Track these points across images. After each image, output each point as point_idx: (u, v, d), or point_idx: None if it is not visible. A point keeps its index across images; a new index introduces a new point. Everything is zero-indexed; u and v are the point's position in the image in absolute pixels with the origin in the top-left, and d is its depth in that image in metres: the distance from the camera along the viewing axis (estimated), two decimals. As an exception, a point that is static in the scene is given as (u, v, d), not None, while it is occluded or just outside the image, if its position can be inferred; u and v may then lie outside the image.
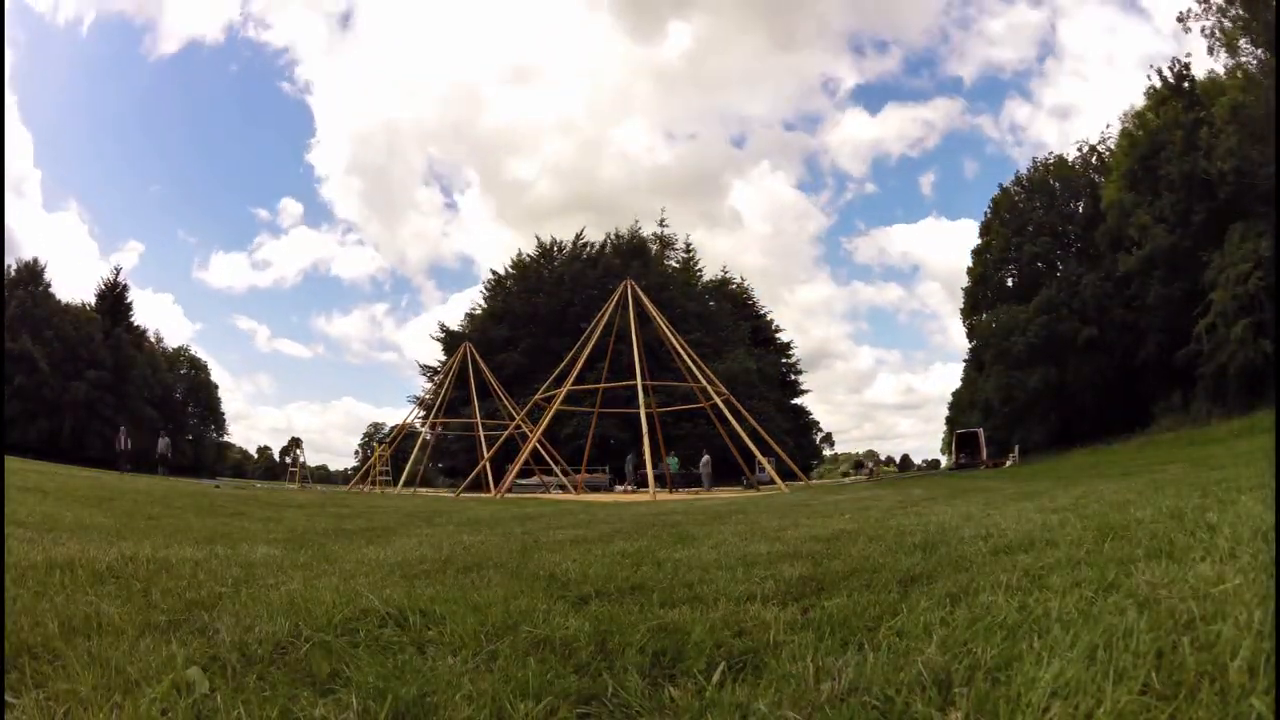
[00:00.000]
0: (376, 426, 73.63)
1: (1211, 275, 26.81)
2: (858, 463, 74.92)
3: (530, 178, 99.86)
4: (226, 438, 68.36)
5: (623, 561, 3.47)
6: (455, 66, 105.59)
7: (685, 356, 24.41)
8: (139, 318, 54.88)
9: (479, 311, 49.81)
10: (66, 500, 7.34)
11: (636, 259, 47.84)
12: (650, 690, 1.56)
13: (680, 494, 21.33)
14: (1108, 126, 48.50)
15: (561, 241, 50.25)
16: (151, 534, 4.78)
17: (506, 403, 31.44)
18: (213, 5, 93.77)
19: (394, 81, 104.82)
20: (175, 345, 64.45)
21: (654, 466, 20.95)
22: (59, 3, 75.25)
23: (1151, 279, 31.01)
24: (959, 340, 45.28)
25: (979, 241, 43.12)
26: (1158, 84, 32.14)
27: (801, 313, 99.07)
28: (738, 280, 59.13)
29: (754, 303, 58.17)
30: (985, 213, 43.24)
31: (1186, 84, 30.90)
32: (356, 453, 78.55)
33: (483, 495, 21.09)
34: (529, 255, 50.17)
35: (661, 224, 57.57)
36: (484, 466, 25.42)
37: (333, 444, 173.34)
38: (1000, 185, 43.12)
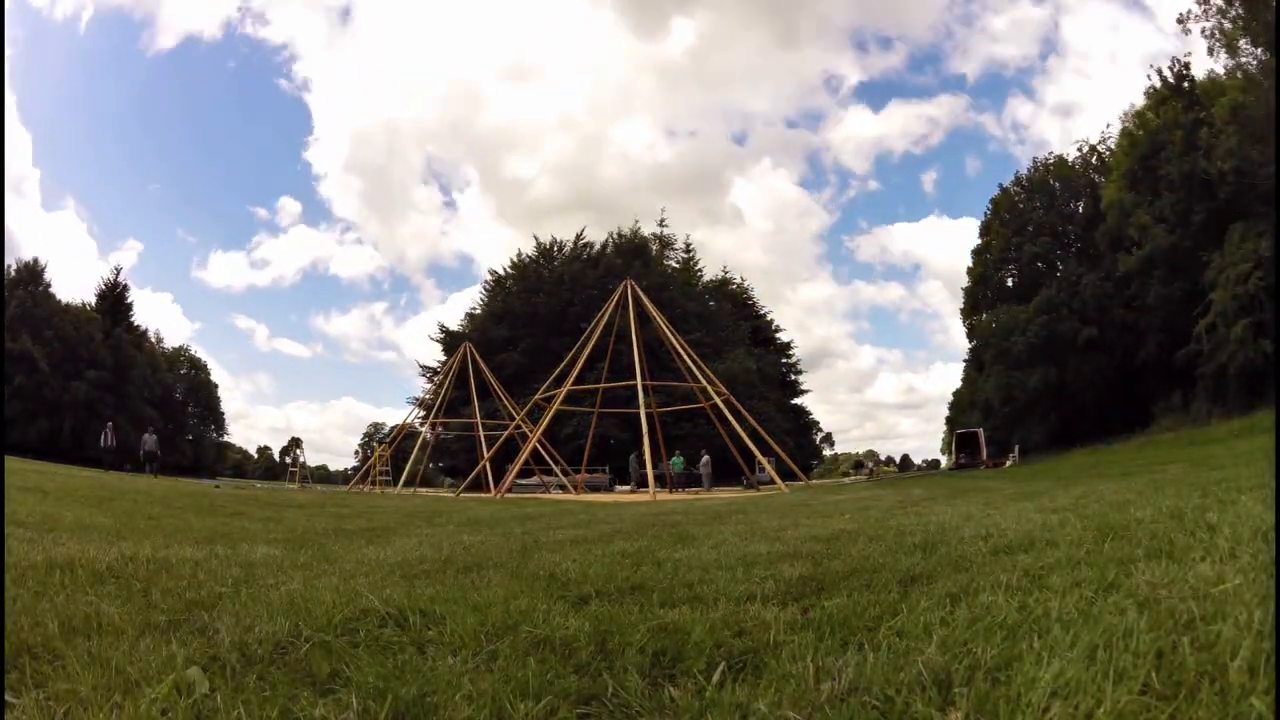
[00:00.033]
0: (376, 426, 73.68)
1: (1211, 275, 26.81)
2: (858, 463, 74.94)
3: (530, 176, 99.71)
4: (226, 438, 68.42)
5: (623, 561, 3.47)
6: (455, 63, 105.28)
7: (685, 356, 24.41)
8: (138, 317, 54.94)
9: (479, 311, 49.86)
10: (66, 500, 7.34)
11: (637, 259, 47.87)
12: (650, 690, 1.56)
13: (680, 494, 21.33)
14: (1108, 126, 48.56)
15: (562, 241, 50.33)
16: (151, 534, 4.78)
17: (506, 403, 31.44)
18: (211, 1, 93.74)
19: (393, 78, 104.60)
20: (175, 345, 64.53)
21: (654, 466, 20.95)
22: (57, -2, 74.96)
23: (1151, 279, 31.01)
24: (960, 340, 45.26)
25: (979, 241, 43.17)
26: (1158, 84, 32.16)
27: (804, 311, 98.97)
28: (738, 280, 59.22)
29: (754, 303, 58.26)
30: (985, 212, 43.29)
31: (1186, 84, 30.91)
32: (356, 453, 78.61)
33: (483, 495, 21.09)
34: (529, 255, 50.23)
35: (662, 224, 57.65)
36: (484, 466, 25.42)
37: (332, 444, 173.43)
38: (1000, 185, 43.18)
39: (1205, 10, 27.20)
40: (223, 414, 65.97)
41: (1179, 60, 31.21)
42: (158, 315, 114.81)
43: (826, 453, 79.64)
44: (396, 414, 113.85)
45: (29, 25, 66.52)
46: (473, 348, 34.49)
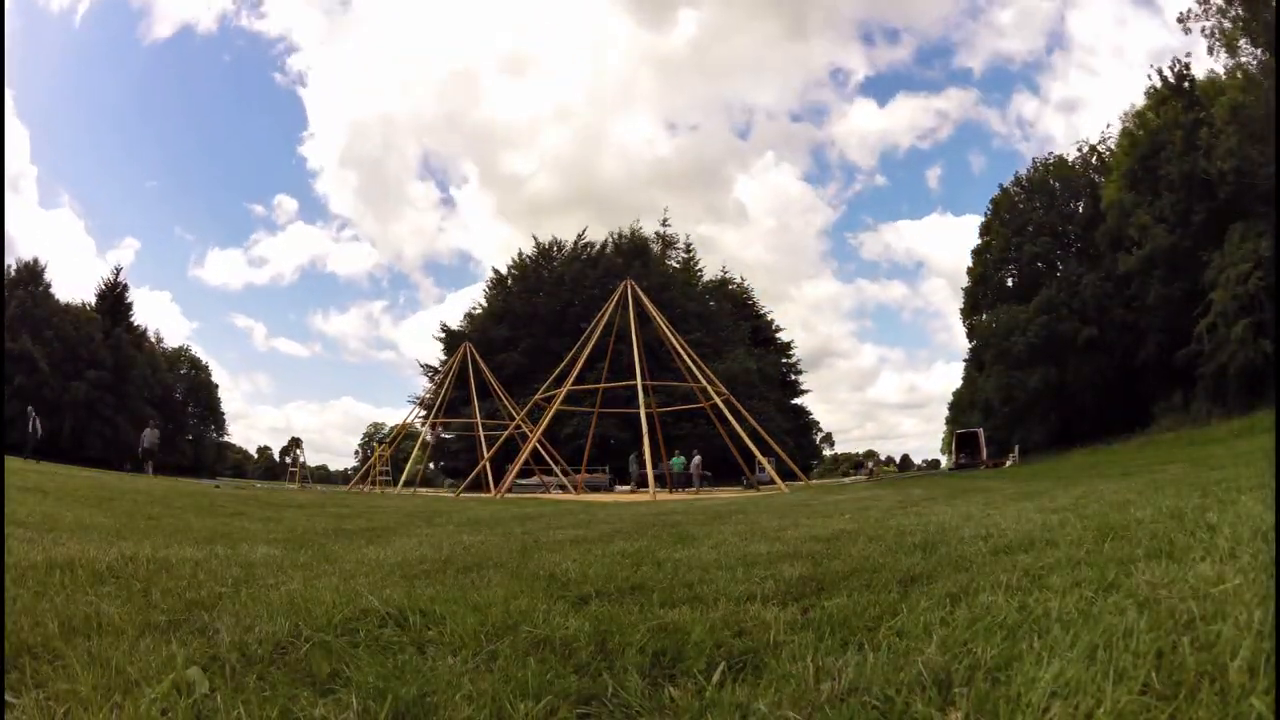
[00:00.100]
0: (376, 426, 73.68)
1: (1211, 275, 26.82)
2: (858, 463, 75.00)
3: (529, 172, 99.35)
4: (226, 438, 68.44)
5: (623, 561, 3.46)
6: (451, 55, 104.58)
7: (685, 356, 24.41)
8: (138, 317, 54.96)
9: (479, 311, 49.88)
10: (66, 500, 7.34)
11: (637, 259, 47.89)
12: (650, 690, 1.56)
13: (680, 494, 21.33)
14: (1108, 126, 48.65)
15: (562, 241, 50.35)
16: (151, 534, 4.78)
17: (506, 403, 31.45)
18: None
19: (388, 72, 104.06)
20: (175, 345, 64.56)
21: (654, 466, 20.95)
22: (53, -11, 74.69)
23: (1151, 279, 31.02)
24: (963, 339, 45.18)
25: (979, 241, 43.18)
26: (1158, 84, 32.18)
27: (808, 309, 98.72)
28: (738, 280, 59.25)
29: (754, 303, 58.29)
30: (985, 212, 43.31)
31: (1187, 84, 30.92)
32: (356, 453, 78.63)
33: (483, 495, 21.09)
34: (529, 255, 50.25)
35: (664, 223, 57.68)
36: (484, 466, 25.43)
37: (332, 444, 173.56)
38: (1000, 185, 43.19)
39: (1205, 10, 27.23)
40: (223, 414, 66.10)
41: (1179, 60, 31.27)
42: (156, 314, 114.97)
43: (826, 453, 79.76)
44: (396, 414, 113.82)
45: (25, 16, 66.28)
46: (473, 347, 34.49)
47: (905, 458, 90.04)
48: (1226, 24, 26.88)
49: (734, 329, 49.90)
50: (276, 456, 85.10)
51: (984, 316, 41.84)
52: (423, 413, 35.81)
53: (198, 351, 67.16)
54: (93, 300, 51.88)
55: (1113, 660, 1.37)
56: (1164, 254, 30.03)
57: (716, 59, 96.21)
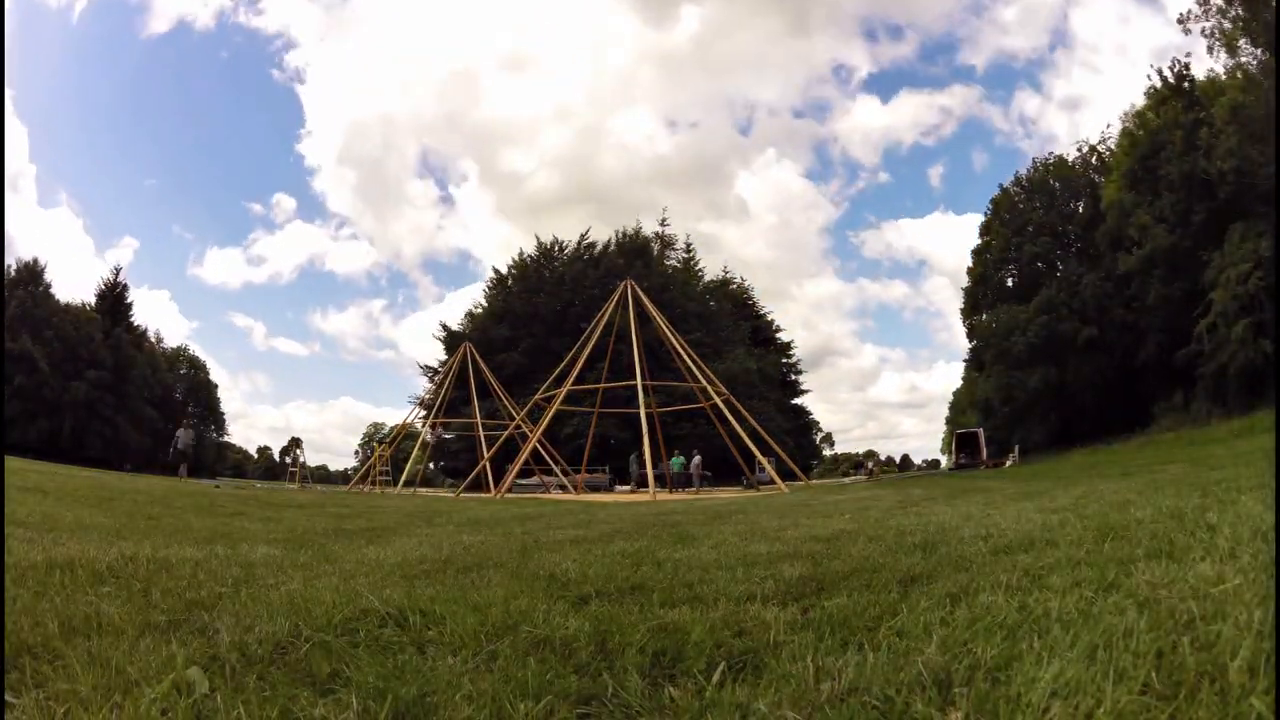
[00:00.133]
0: (376, 426, 73.68)
1: (1211, 275, 26.83)
2: (857, 463, 75.04)
3: (529, 170, 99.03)
4: (226, 438, 68.47)
5: (623, 561, 3.47)
6: (452, 52, 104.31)
7: (685, 356, 24.41)
8: (137, 316, 54.97)
9: (479, 311, 49.88)
10: (66, 500, 7.34)
11: (638, 259, 47.88)
12: (650, 690, 1.56)
13: (680, 494, 21.33)
14: (1108, 126, 48.69)
15: (563, 241, 50.36)
16: (151, 534, 4.78)
17: (507, 403, 31.45)
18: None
19: (388, 69, 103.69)
20: (174, 345, 64.59)
21: (654, 466, 20.94)
22: (51, -15, 74.51)
23: (1151, 279, 31.02)
24: (964, 338, 45.18)
25: (979, 241, 43.18)
26: (1158, 84, 32.18)
27: (810, 308, 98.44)
28: (738, 280, 59.28)
29: (754, 303, 58.31)
30: (985, 212, 43.31)
31: (1187, 84, 30.93)
32: (356, 453, 78.67)
33: (483, 495, 21.09)
34: (530, 255, 50.25)
35: (663, 223, 57.68)
36: (484, 466, 25.43)
37: (331, 444, 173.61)
38: (1000, 185, 43.19)
39: (1205, 10, 27.23)
40: (223, 414, 66.16)
41: (1179, 60, 31.28)
42: (155, 313, 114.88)
43: (826, 453, 79.78)
44: (396, 414, 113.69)
45: (23, 12, 66.13)
46: (473, 347, 34.49)
47: (905, 458, 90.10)
48: (1226, 24, 26.90)
49: (734, 329, 49.90)
50: (276, 456, 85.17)
51: (984, 316, 41.84)
52: (423, 413, 35.82)
53: (197, 351, 67.32)
54: (92, 300, 51.94)
55: (1113, 660, 1.37)
56: (1164, 254, 30.03)
57: (718, 55, 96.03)
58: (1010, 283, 41.18)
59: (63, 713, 1.43)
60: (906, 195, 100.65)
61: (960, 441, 38.04)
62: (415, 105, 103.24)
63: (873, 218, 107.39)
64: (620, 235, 51.12)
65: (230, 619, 2.13)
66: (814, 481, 32.79)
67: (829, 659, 1.64)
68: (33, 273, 46.75)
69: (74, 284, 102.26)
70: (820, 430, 66.76)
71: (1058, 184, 40.94)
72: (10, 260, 45.19)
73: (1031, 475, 14.23)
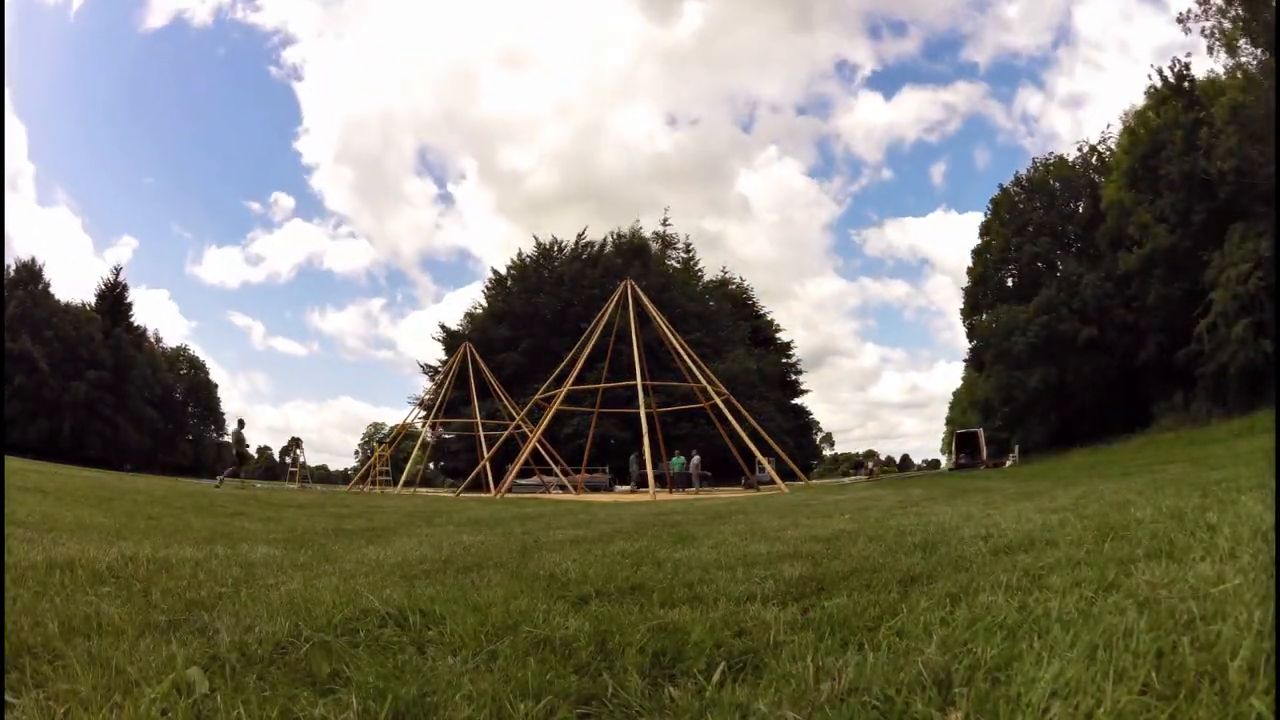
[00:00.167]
0: (376, 426, 73.67)
1: (1211, 275, 26.83)
2: (858, 463, 75.06)
3: (528, 167, 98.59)
4: (226, 438, 68.38)
5: (623, 561, 3.47)
6: (450, 48, 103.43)
7: (685, 356, 24.41)
8: (136, 316, 54.93)
9: (479, 311, 49.89)
10: (66, 500, 7.34)
11: (637, 259, 47.90)
12: (650, 690, 1.56)
13: (682, 494, 21.33)
14: (1108, 126, 48.67)
15: (562, 241, 50.37)
16: (151, 534, 4.78)
17: (506, 403, 31.45)
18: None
19: (386, 66, 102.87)
20: (174, 345, 64.59)
21: (654, 466, 20.95)
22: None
23: (1151, 279, 31.02)
24: (965, 338, 45.13)
25: (979, 241, 43.19)
26: (1158, 84, 32.18)
27: (811, 307, 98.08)
28: (738, 280, 59.30)
29: (754, 303, 58.31)
30: (985, 212, 43.31)
31: (1187, 84, 30.92)
32: (356, 453, 78.66)
33: (483, 495, 21.09)
34: (529, 255, 50.27)
35: (664, 223, 57.69)
36: (484, 466, 25.43)
37: (331, 444, 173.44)
38: (1000, 185, 43.19)
39: (1205, 9, 27.23)
40: (223, 414, 66.11)
41: (1179, 60, 31.28)
42: (154, 313, 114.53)
43: (826, 453, 79.78)
44: (395, 413, 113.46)
45: (20, 8, 65.85)
46: (473, 348, 34.49)
47: (905, 458, 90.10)
48: (1226, 24, 26.89)
49: (734, 329, 49.90)
50: (276, 456, 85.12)
51: (984, 316, 41.83)
52: (422, 413, 35.83)
53: (196, 350, 67.28)
54: (92, 300, 51.94)
55: (1113, 660, 1.37)
56: (1164, 254, 30.03)
57: (720, 51, 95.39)
58: (1010, 283, 41.18)
59: (63, 713, 1.43)
60: (909, 193, 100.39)
61: (960, 441, 38.05)
62: (413, 102, 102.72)
63: (875, 216, 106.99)
64: (617, 235, 51.17)
65: (230, 619, 2.13)
66: (814, 481, 32.79)
67: (829, 659, 1.64)
68: (32, 272, 46.75)
69: (73, 283, 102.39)
70: (820, 430, 66.80)
71: (1058, 184, 40.94)
72: (10, 260, 45.23)
73: (1031, 475, 14.23)
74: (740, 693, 1.49)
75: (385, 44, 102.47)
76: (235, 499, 10.71)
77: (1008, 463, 31.86)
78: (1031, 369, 35.50)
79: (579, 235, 50.21)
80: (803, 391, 58.59)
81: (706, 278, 56.16)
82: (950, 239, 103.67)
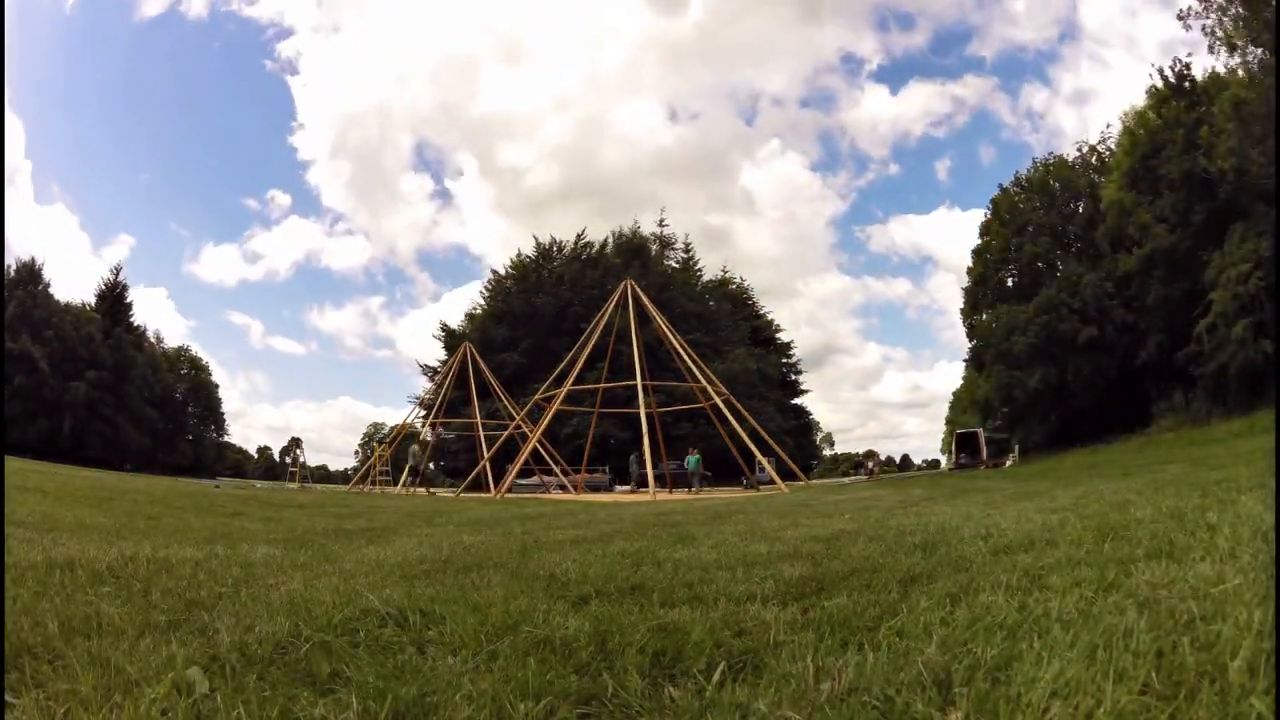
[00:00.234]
0: (376, 426, 73.63)
1: (1211, 275, 26.81)
2: (858, 463, 75.08)
3: (527, 164, 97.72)
4: (226, 438, 68.41)
5: (623, 561, 3.47)
6: (447, 41, 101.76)
7: (685, 356, 24.41)
8: (136, 316, 54.83)
9: (479, 311, 49.91)
10: (66, 500, 7.35)
11: (636, 259, 47.89)
12: (650, 690, 1.56)
13: (680, 494, 21.33)
14: (1108, 126, 48.65)
15: (561, 241, 50.38)
16: (151, 534, 4.78)
17: (506, 403, 31.45)
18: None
19: (383, 59, 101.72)
20: (174, 345, 64.49)
21: (654, 466, 20.94)
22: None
23: (1151, 279, 31.01)
24: (966, 337, 45.02)
25: (979, 241, 43.18)
26: (1159, 84, 32.17)
27: (815, 304, 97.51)
28: (738, 280, 59.29)
29: (754, 303, 58.31)
30: (985, 213, 43.32)
31: (1187, 83, 30.92)
32: (356, 453, 78.64)
33: (483, 495, 21.09)
34: (529, 255, 50.28)
35: (660, 224, 57.66)
36: (484, 466, 25.44)
37: (331, 443, 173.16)
38: (1000, 185, 43.19)
39: (1206, 7, 27.21)
40: (223, 414, 66.07)
41: (1180, 59, 31.27)
42: (153, 312, 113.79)
43: (826, 453, 79.78)
44: (395, 413, 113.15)
45: (16, 4, 65.52)
46: (473, 348, 34.50)
47: (905, 458, 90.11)
48: (1227, 22, 26.87)
49: (734, 329, 49.90)
50: (276, 456, 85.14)
51: (984, 316, 41.83)
52: (423, 413, 35.83)
53: (195, 350, 67.13)
54: (92, 300, 51.93)
55: (1113, 660, 1.37)
56: (1164, 254, 30.01)
57: (723, 44, 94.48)
58: (1010, 283, 41.17)
59: (63, 713, 1.43)
60: (912, 190, 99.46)
61: (960, 441, 38.07)
62: (411, 96, 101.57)
63: (879, 212, 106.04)
64: (616, 236, 51.17)
65: (230, 619, 2.13)
66: (814, 481, 32.79)
67: (829, 659, 1.64)
68: (32, 273, 46.75)
69: (71, 282, 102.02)
70: (820, 430, 66.85)
71: (1058, 184, 40.94)
72: (10, 260, 45.22)
73: (1031, 475, 14.23)
74: (740, 693, 1.49)
75: (382, 36, 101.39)
76: (235, 499, 10.71)
77: (1007, 463, 31.88)
78: (1031, 369, 35.49)
79: (578, 235, 50.29)
80: (803, 391, 58.66)
81: (706, 277, 56.21)
82: (954, 236, 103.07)
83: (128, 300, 53.56)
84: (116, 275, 53.95)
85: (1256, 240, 25.10)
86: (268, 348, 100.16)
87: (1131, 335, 33.27)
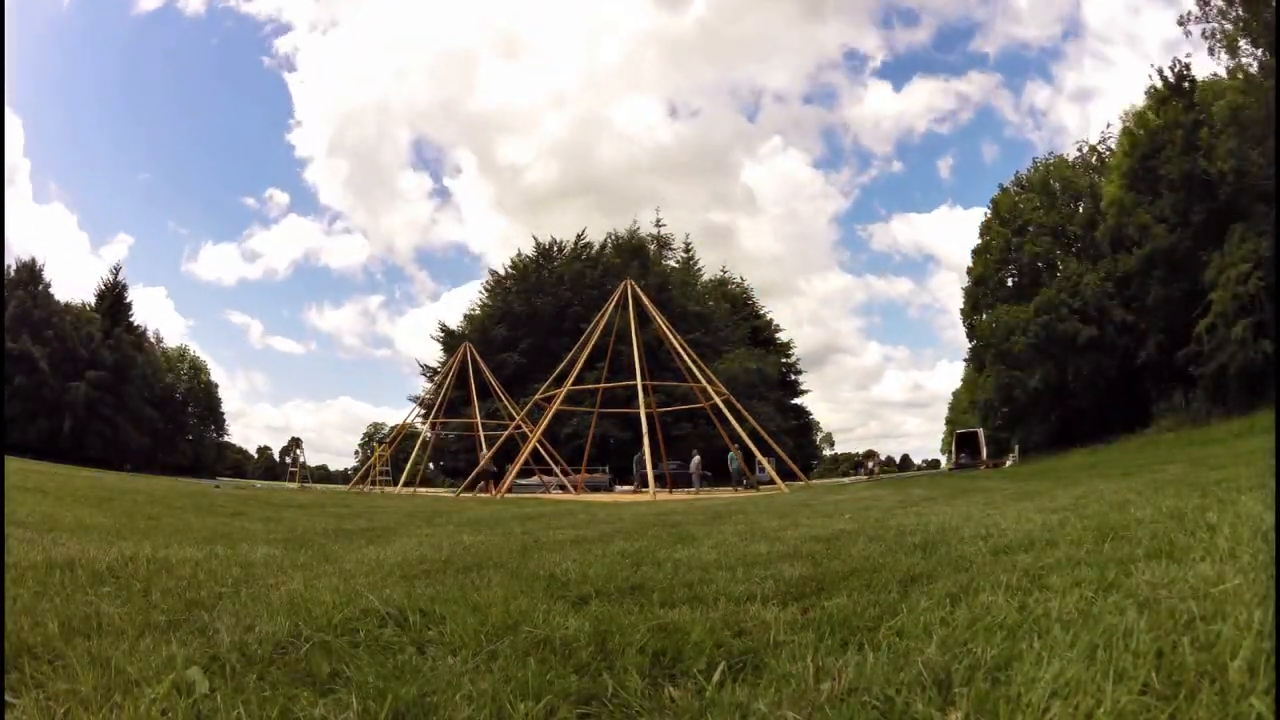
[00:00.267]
0: (377, 426, 73.56)
1: (1211, 275, 26.81)
2: (857, 463, 75.07)
3: (526, 161, 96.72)
4: (226, 438, 68.37)
5: (623, 561, 3.47)
6: (445, 36, 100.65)
7: (685, 356, 24.42)
8: (135, 315, 54.75)
9: (479, 311, 49.90)
10: (66, 500, 7.35)
11: (635, 259, 47.89)
12: (650, 690, 1.56)
13: (680, 494, 21.32)
14: (1108, 126, 48.68)
15: (561, 242, 50.38)
16: (151, 534, 4.78)
17: (506, 403, 31.45)
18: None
19: (380, 55, 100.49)
20: (174, 345, 64.45)
21: (654, 466, 20.95)
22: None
23: (1151, 279, 31.01)
24: (966, 337, 44.95)
25: (980, 241, 43.19)
26: (1158, 84, 32.18)
27: (818, 302, 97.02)
28: (737, 280, 59.31)
29: (753, 303, 58.33)
30: (985, 213, 43.33)
31: (1187, 84, 30.92)
32: (356, 453, 78.56)
33: (483, 495, 21.09)
34: (529, 256, 50.29)
35: (658, 224, 57.64)
36: (484, 466, 25.45)
37: (331, 443, 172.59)
38: (1000, 185, 43.20)
39: (1205, 11, 27.21)
40: (223, 414, 66.03)
41: (1180, 60, 31.27)
42: (151, 311, 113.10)
43: (826, 453, 79.73)
44: (395, 413, 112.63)
45: (14, 1, 65.24)
46: (473, 348, 34.51)
47: (905, 458, 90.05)
48: (1227, 25, 26.88)
49: (733, 329, 49.92)
50: (276, 456, 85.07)
51: (984, 316, 41.83)
52: (422, 413, 35.84)
53: (195, 349, 67.05)
54: (92, 300, 51.92)
55: (1113, 660, 1.37)
56: (1164, 254, 30.01)
57: (724, 40, 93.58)
58: (1010, 282, 41.17)
59: (63, 713, 1.43)
60: (915, 187, 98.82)
61: (960, 441, 38.09)
62: (409, 92, 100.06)
63: (882, 210, 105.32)
64: (615, 237, 51.14)
65: (230, 619, 2.13)
66: (814, 481, 32.79)
67: (829, 659, 1.64)
68: (32, 273, 46.74)
69: (70, 281, 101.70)
70: (820, 430, 66.82)
71: (1058, 183, 40.96)
72: (10, 260, 45.21)
73: (1031, 475, 14.23)
74: (740, 693, 1.49)
75: (379, 31, 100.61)
76: (235, 499, 10.71)
77: (1007, 463, 31.88)
78: (1031, 369, 35.50)
79: (578, 235, 50.29)
80: (802, 391, 58.67)
81: (706, 276, 56.22)
82: (955, 235, 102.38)
83: (128, 300, 53.60)
84: (116, 275, 53.97)
85: (1256, 240, 25.10)
86: (267, 347, 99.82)
87: (1131, 335, 33.27)
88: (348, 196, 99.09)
